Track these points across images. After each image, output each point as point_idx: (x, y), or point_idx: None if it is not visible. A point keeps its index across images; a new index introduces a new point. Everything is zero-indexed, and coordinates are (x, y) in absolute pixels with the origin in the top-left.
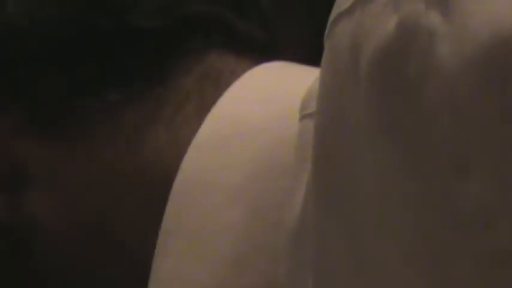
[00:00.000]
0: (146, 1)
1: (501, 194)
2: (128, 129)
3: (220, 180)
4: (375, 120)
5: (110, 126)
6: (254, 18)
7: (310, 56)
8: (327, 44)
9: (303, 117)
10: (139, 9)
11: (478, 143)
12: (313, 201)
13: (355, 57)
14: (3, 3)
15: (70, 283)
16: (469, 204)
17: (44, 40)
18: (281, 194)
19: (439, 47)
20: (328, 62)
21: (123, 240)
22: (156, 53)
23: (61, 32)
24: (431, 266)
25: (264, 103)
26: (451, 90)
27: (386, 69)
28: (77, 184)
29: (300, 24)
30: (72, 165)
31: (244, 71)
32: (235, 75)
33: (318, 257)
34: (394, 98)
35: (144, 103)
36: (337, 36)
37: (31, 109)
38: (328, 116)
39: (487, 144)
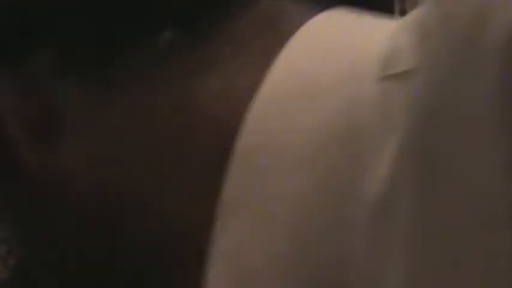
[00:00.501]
0: None
1: None
2: (178, 76)
3: (288, 145)
4: (497, 103)
5: (158, 73)
6: None
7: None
8: (437, 10)
9: (386, 77)
10: None
11: None
12: (408, 179)
13: (478, 28)
14: None
15: (98, 246)
16: None
17: None
18: (356, 163)
19: None
20: (438, 29)
21: (164, 208)
22: None
23: None
24: None
25: (334, 57)
26: None
27: None
28: (119, 137)
29: None
30: (115, 116)
31: (304, 17)
32: (294, 21)
33: (412, 239)
34: None
35: (195, 47)
36: (453, 2)
37: (72, 51)
38: (434, 89)
39: None
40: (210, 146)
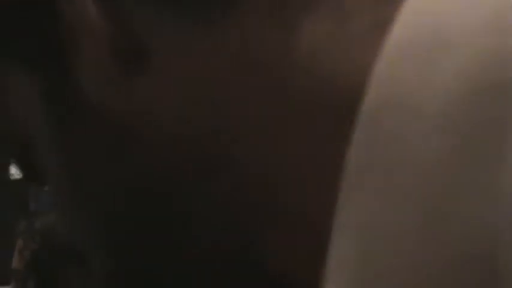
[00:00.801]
0: None
1: None
2: (283, 15)
3: (422, 102)
4: None
5: (260, 12)
6: None
7: None
8: None
9: None
10: None
11: None
12: None
13: None
14: None
15: (177, 188)
16: None
17: None
18: (502, 125)
19: None
20: None
21: (271, 170)
22: None
23: None
24: None
25: (474, 4)
26: None
27: None
28: (211, 76)
29: None
30: (208, 51)
31: None
32: None
33: None
34: None
35: None
36: None
37: None
38: None
39: None
40: (330, 105)
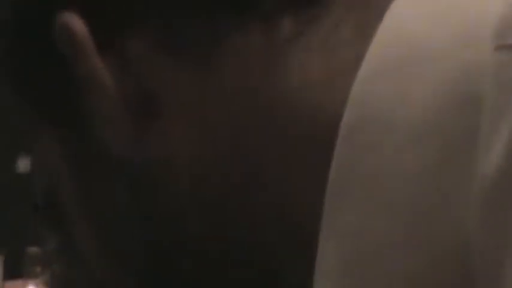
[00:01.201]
0: None
1: None
2: (276, 51)
3: (400, 116)
4: None
5: (256, 52)
6: None
7: None
8: None
9: (503, 46)
10: None
11: None
12: None
13: None
14: None
15: (200, 230)
16: None
17: None
18: (472, 140)
19: None
20: None
21: (269, 185)
22: None
23: None
24: None
25: (444, 19)
26: None
27: None
28: (217, 117)
29: None
30: (213, 95)
31: None
32: None
33: None
34: None
35: (294, 23)
36: None
37: (167, 31)
38: None
39: None
40: (316, 129)
